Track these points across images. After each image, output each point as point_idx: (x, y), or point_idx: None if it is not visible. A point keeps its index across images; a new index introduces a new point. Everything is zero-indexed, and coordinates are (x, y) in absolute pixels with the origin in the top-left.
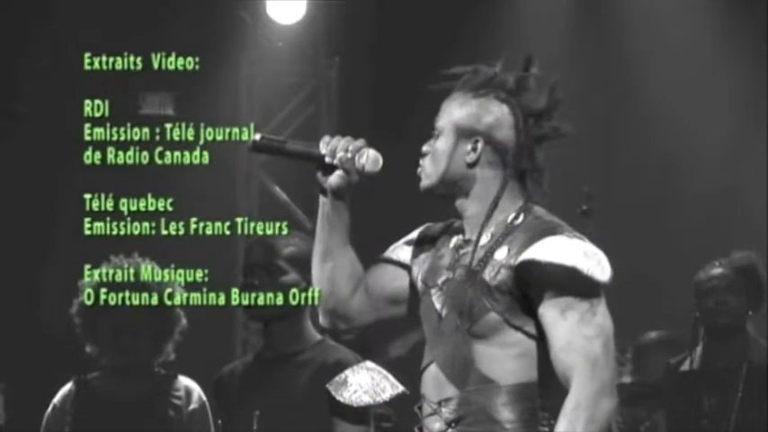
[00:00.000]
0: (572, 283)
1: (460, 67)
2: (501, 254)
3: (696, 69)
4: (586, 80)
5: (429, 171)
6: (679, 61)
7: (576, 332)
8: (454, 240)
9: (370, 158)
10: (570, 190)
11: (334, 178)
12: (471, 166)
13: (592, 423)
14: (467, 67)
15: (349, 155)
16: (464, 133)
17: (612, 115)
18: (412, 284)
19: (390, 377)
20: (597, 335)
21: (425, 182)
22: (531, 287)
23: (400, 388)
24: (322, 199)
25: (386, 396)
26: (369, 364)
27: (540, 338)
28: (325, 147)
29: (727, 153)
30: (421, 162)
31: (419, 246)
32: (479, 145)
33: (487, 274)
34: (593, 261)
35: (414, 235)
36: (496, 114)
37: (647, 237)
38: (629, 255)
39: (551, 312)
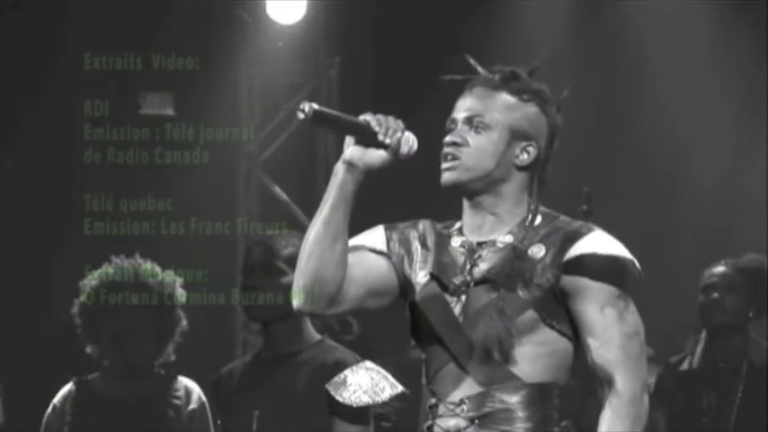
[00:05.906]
0: (623, 276)
1: (499, 65)
2: (537, 252)
3: (697, 69)
4: (586, 80)
5: (471, 164)
6: (680, 61)
7: (615, 329)
8: (460, 240)
9: (411, 142)
10: (570, 190)
11: (377, 157)
12: (521, 169)
13: (638, 421)
14: (504, 67)
15: (401, 136)
16: (518, 135)
17: (613, 115)
18: (398, 277)
19: (390, 377)
20: (635, 333)
21: (463, 175)
22: (576, 282)
23: (399, 388)
24: (345, 177)
25: (385, 396)
26: (368, 364)
27: (571, 338)
28: (376, 124)
29: (728, 154)
30: (451, 150)
31: (391, 240)
32: (532, 150)
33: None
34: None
35: (378, 230)
36: (542, 123)
37: (648, 237)
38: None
39: (590, 307)
